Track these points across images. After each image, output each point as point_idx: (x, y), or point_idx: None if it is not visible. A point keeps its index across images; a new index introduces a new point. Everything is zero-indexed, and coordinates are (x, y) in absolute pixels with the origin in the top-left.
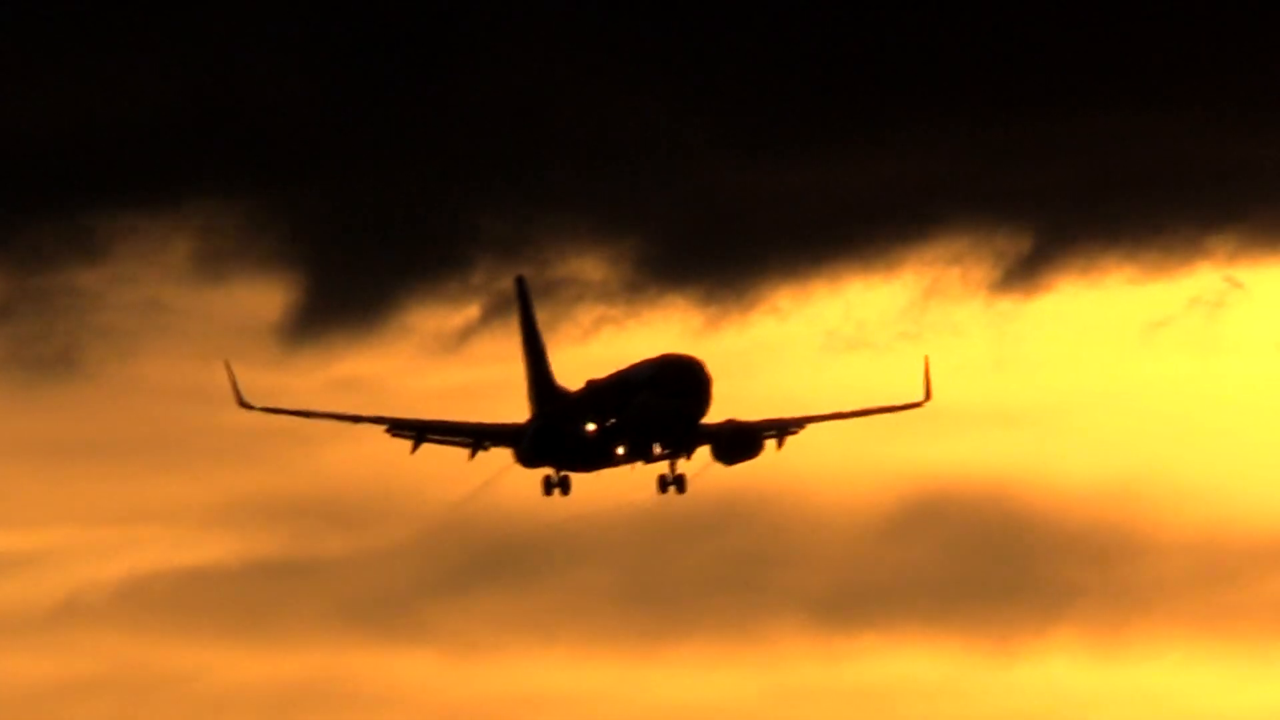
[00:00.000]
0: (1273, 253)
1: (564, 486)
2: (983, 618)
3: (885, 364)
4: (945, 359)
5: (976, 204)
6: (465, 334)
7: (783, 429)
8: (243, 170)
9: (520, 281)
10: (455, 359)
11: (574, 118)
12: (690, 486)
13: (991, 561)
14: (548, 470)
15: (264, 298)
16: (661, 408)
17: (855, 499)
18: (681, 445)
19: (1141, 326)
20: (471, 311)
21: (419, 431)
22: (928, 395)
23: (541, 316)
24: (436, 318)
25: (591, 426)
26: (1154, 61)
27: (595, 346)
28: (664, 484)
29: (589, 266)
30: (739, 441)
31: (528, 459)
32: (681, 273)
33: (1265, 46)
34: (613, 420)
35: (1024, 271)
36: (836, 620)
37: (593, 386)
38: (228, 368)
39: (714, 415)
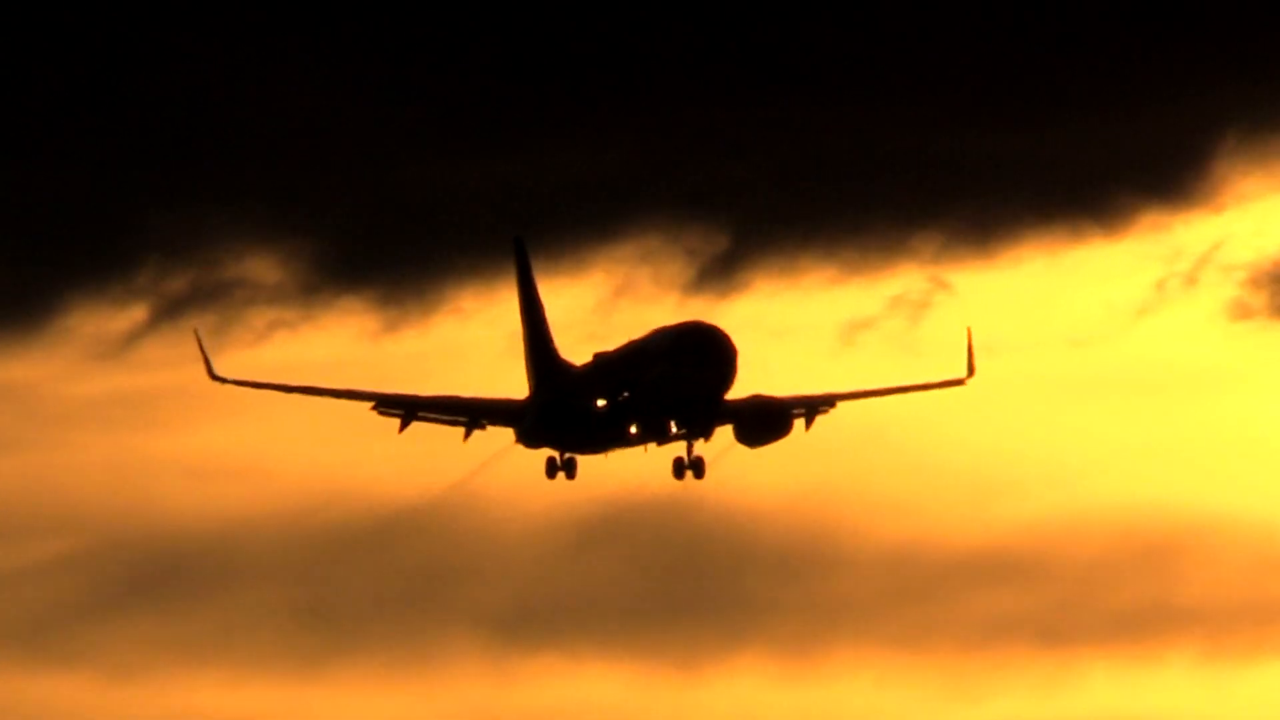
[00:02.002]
0: (978, 252)
1: (569, 469)
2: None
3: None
4: None
5: (670, 201)
6: (131, 338)
7: (812, 407)
8: None
9: (518, 242)
10: (119, 364)
11: (247, 114)
12: (710, 471)
13: (676, 576)
14: (552, 451)
15: None
16: (680, 381)
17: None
18: (701, 424)
19: (841, 327)
20: (138, 314)
21: (408, 408)
22: (971, 371)
23: (210, 320)
24: (99, 320)
25: (601, 402)
26: (855, 54)
27: (268, 350)
28: (680, 468)
29: (262, 268)
30: (766, 420)
31: (531, 438)
32: (359, 274)
33: (967, 41)
34: (625, 395)
35: (719, 271)
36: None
37: (602, 359)
38: (197, 338)
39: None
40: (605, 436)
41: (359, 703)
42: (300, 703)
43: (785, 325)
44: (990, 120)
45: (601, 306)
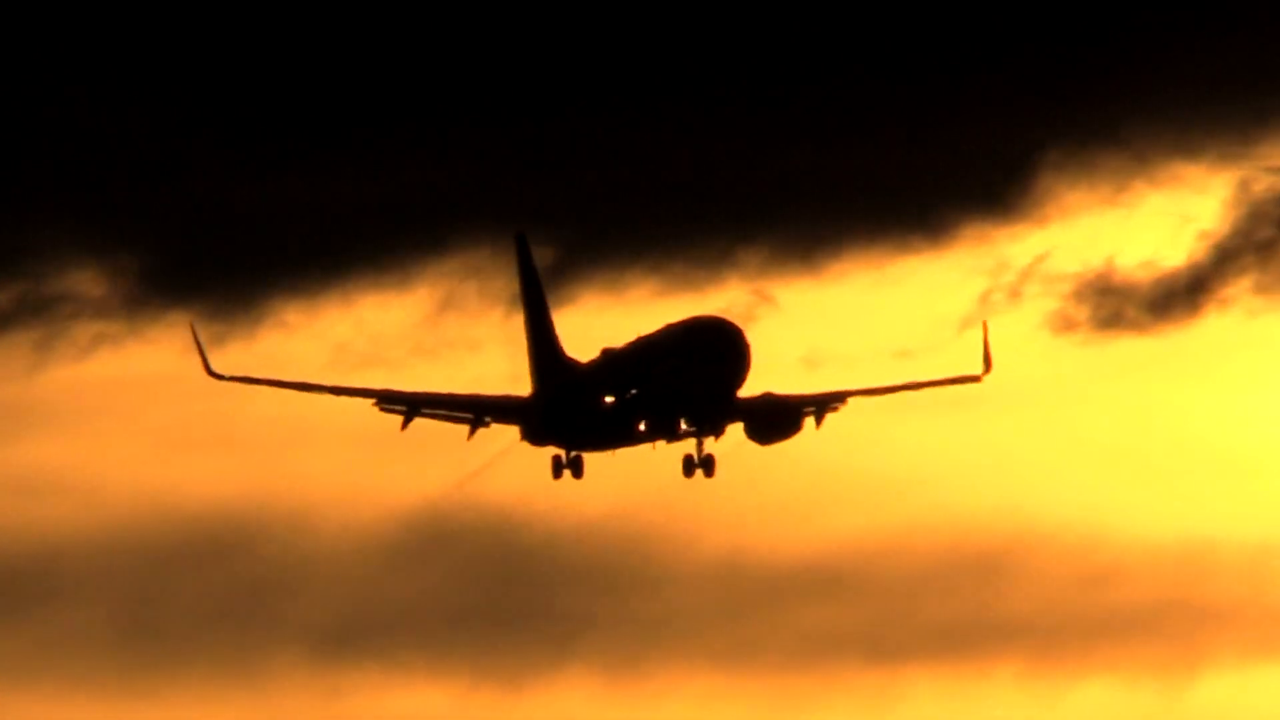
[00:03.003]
0: (803, 265)
1: (576, 467)
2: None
3: (399, 376)
4: (465, 373)
5: (496, 215)
6: None
7: (823, 404)
8: None
9: (521, 239)
10: None
11: (70, 126)
12: (720, 468)
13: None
14: (558, 449)
15: None
16: (692, 377)
17: None
18: (713, 421)
19: None
20: None
21: (411, 405)
22: (988, 367)
23: (32, 336)
24: None
25: (610, 399)
26: (680, 68)
27: (92, 366)
28: (690, 465)
29: (85, 281)
30: (777, 417)
31: (536, 436)
32: (184, 288)
33: (792, 55)
34: (634, 392)
35: (545, 284)
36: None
37: (610, 355)
38: (194, 333)
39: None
40: (613, 434)
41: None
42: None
43: (611, 339)
44: (815, 134)
45: (427, 320)
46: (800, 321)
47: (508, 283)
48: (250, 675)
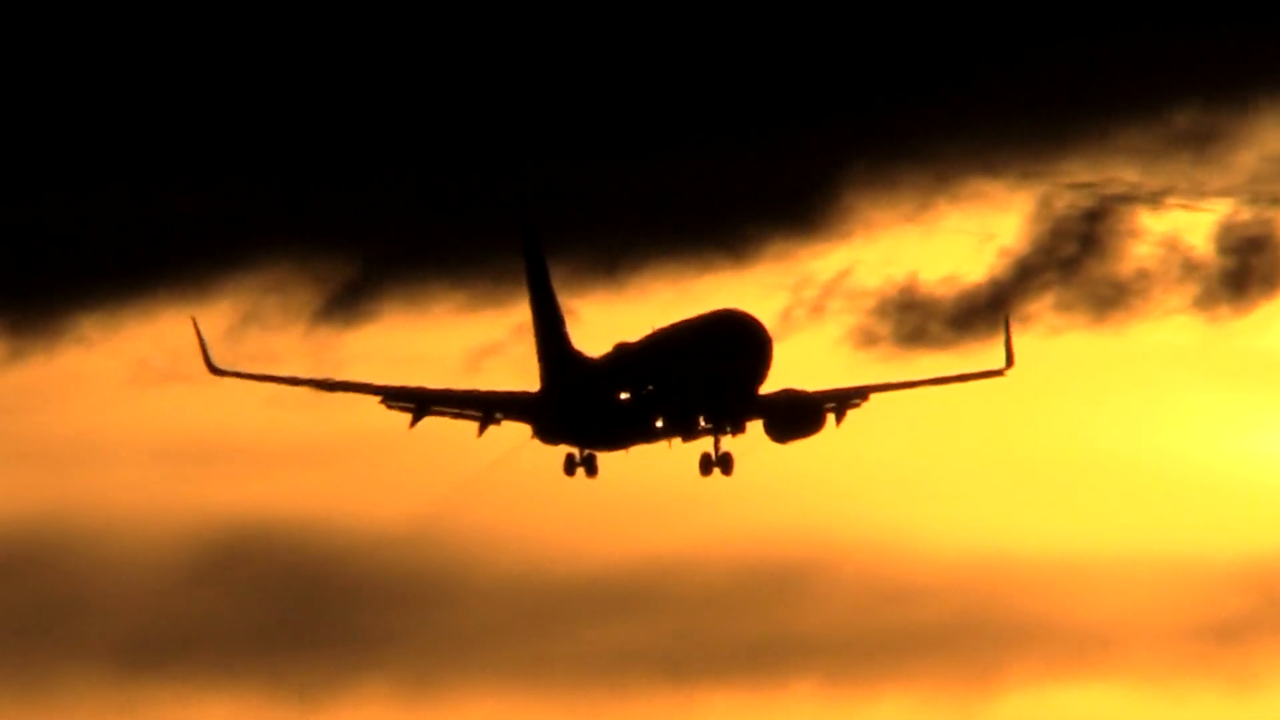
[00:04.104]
0: (606, 280)
1: (589, 466)
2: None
3: (188, 400)
4: (258, 392)
5: (298, 229)
6: None
7: (844, 400)
8: None
9: (529, 229)
10: None
11: None
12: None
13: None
14: (571, 448)
15: None
16: (712, 372)
17: None
18: (733, 418)
19: (469, 355)
20: None
21: (420, 403)
22: (1010, 362)
23: None
24: None
25: (625, 395)
26: (475, 87)
27: None
28: (707, 464)
29: None
30: (799, 414)
31: (549, 433)
32: None
33: (590, 70)
34: (651, 388)
35: (347, 299)
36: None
37: (624, 349)
38: (195, 328)
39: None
40: (629, 432)
41: None
42: None
43: (413, 353)
44: (618, 149)
45: (230, 333)
46: (604, 337)
47: (310, 297)
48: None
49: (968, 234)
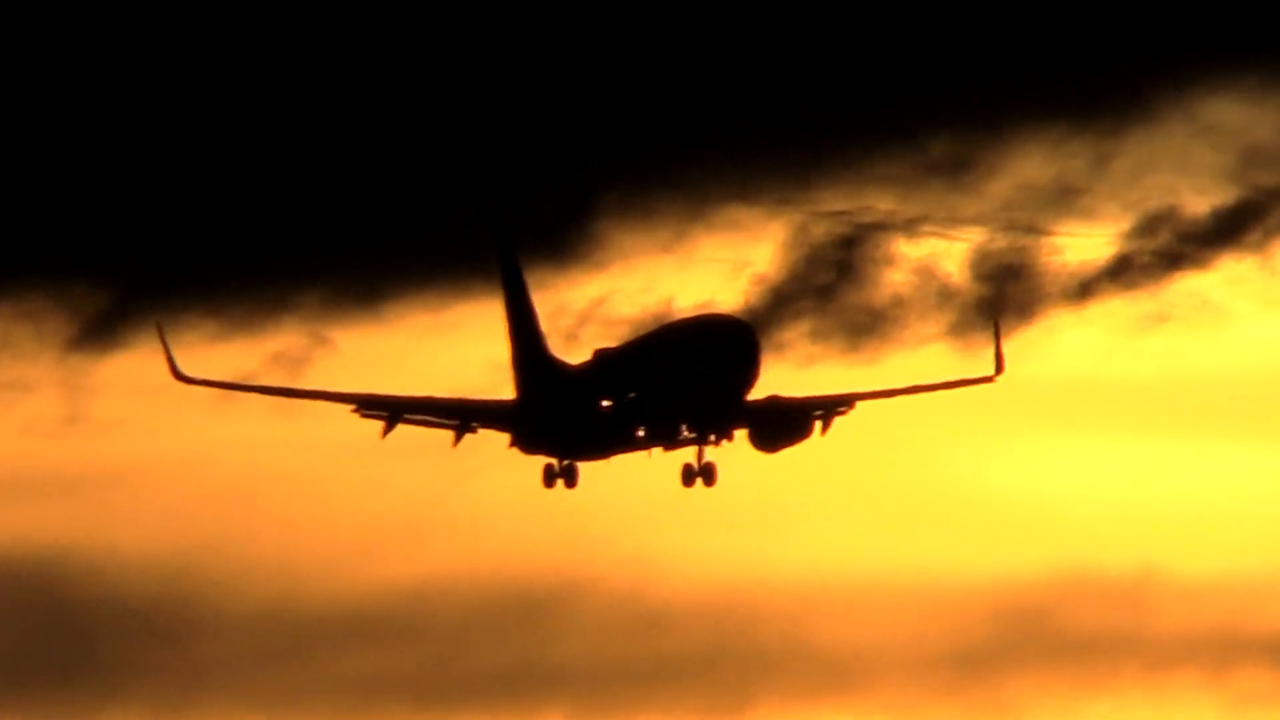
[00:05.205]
0: (362, 308)
1: (569, 476)
2: None
3: None
4: (13, 418)
5: (52, 257)
6: None
7: (830, 408)
8: None
9: (502, 229)
10: None
11: None
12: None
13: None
14: (549, 458)
15: None
16: (697, 379)
17: None
18: (719, 426)
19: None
20: None
21: (393, 411)
22: (1000, 368)
23: None
24: None
25: (606, 403)
26: (236, 116)
27: None
28: (690, 474)
29: None
30: (787, 422)
31: (527, 442)
32: None
33: (343, 98)
34: (633, 395)
35: (100, 328)
36: None
37: (605, 355)
38: (160, 334)
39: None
40: (609, 440)
41: None
42: None
43: (166, 383)
44: (372, 176)
45: None
46: (358, 364)
47: (62, 325)
48: None
49: (723, 262)
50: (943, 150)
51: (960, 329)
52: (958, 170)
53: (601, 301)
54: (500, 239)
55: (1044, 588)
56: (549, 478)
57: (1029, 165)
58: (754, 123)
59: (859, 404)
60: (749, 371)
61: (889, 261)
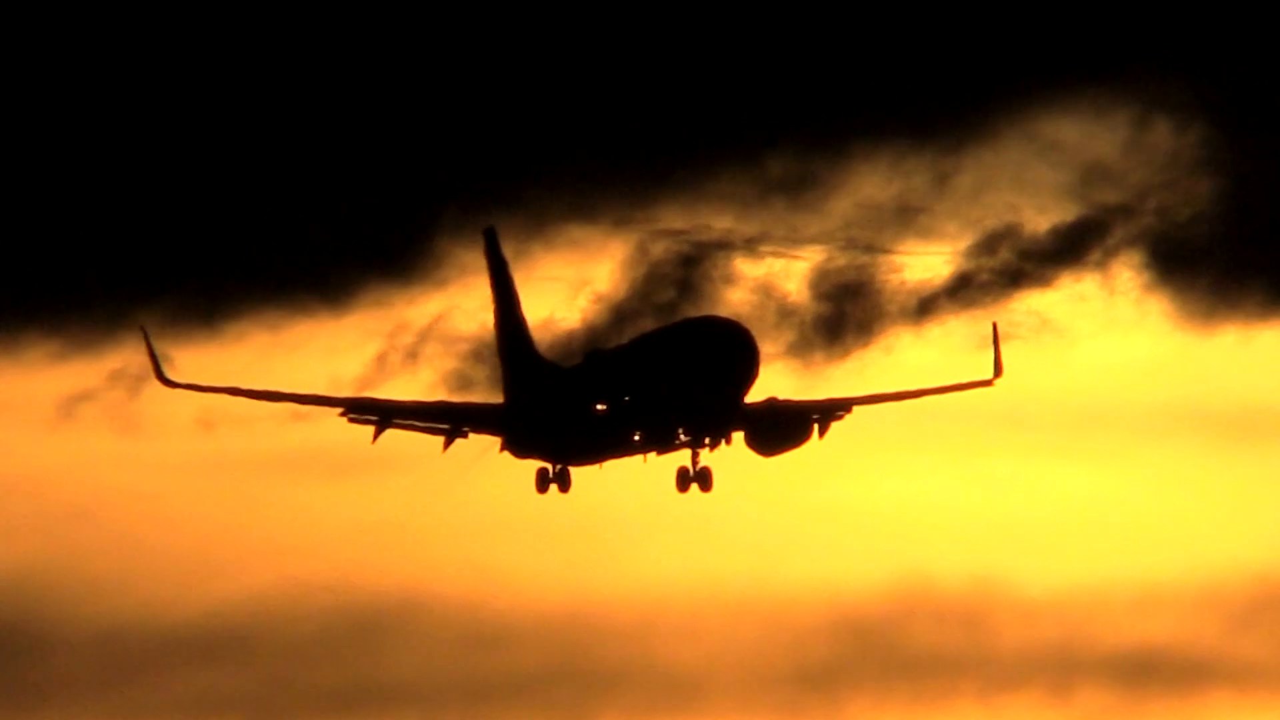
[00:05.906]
0: (202, 326)
1: (562, 481)
2: None
3: None
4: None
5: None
6: None
7: (828, 412)
8: None
9: (490, 234)
10: None
11: None
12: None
13: None
14: (543, 463)
15: None
16: (694, 382)
17: None
18: (715, 430)
19: (61, 401)
20: None
21: (382, 415)
22: (998, 372)
23: None
24: None
25: (601, 406)
26: (152, 135)
27: None
28: (684, 479)
29: None
30: (786, 425)
31: (519, 446)
32: None
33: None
34: (628, 399)
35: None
36: None
37: (599, 357)
38: (145, 336)
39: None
40: (604, 445)
41: None
42: None
43: (3, 401)
44: (213, 194)
45: None
46: (202, 379)
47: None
48: None
49: (563, 280)
50: (782, 169)
51: (799, 348)
52: (797, 189)
53: (441, 318)
54: (488, 242)
55: (879, 601)
56: (542, 482)
57: (869, 183)
58: (593, 140)
59: (855, 408)
60: (747, 374)
61: (729, 280)
